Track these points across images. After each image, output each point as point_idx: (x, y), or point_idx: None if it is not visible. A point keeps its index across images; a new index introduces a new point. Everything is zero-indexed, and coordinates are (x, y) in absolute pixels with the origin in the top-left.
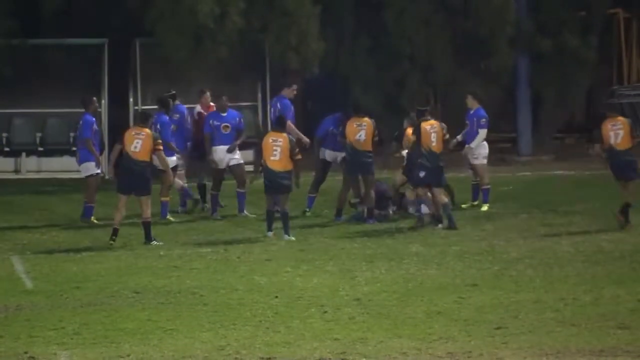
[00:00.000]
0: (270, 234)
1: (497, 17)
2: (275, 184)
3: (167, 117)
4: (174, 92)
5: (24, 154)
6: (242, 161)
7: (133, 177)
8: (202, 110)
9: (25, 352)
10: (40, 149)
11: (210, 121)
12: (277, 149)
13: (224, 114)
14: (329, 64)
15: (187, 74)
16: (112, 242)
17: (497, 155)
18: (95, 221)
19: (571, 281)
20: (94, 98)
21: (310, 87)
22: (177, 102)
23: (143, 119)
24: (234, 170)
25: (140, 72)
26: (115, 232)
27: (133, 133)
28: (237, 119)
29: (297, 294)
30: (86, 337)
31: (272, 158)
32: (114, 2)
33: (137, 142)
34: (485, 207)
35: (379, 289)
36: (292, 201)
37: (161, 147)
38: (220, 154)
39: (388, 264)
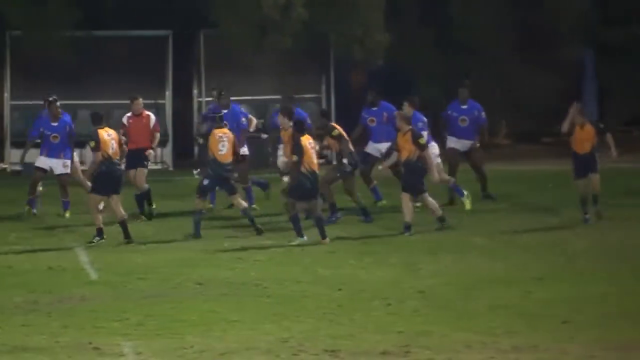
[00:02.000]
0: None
1: (563, 8)
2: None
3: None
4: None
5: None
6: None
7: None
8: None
9: (90, 343)
10: None
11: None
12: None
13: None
14: (392, 55)
15: (251, 66)
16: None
17: (563, 148)
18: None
19: (637, 274)
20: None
21: (373, 79)
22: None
23: (95, 121)
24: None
25: (204, 64)
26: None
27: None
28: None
29: (360, 286)
30: (150, 328)
31: (315, 161)
32: None
33: (112, 143)
34: (468, 205)
35: (442, 282)
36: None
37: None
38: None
39: (452, 257)
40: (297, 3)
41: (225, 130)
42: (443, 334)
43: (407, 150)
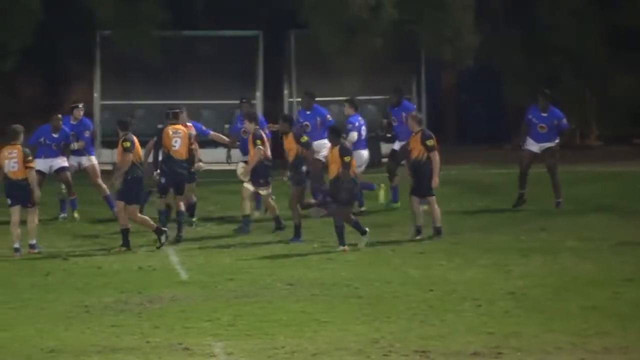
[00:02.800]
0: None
1: None
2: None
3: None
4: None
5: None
6: None
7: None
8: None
9: (180, 343)
10: None
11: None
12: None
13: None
14: (482, 56)
15: (341, 66)
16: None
17: None
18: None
19: None
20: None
21: (463, 79)
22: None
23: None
24: None
25: (294, 64)
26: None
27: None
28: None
29: (451, 287)
30: (240, 329)
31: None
32: None
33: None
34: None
35: (533, 283)
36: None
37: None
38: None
39: (543, 258)
40: (387, 3)
41: (179, 126)
42: (533, 335)
43: (417, 150)
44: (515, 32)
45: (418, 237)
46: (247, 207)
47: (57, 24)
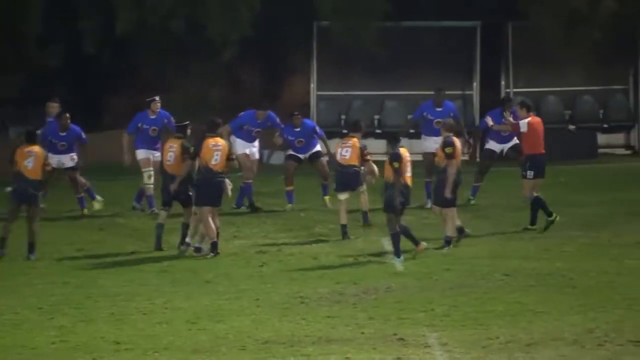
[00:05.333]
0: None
1: None
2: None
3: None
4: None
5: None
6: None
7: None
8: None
9: (394, 334)
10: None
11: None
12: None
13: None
14: None
15: (559, 57)
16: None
17: None
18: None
19: None
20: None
21: None
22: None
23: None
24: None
25: (512, 56)
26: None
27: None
28: None
29: None
30: (455, 319)
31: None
32: None
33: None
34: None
35: None
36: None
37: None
38: None
39: None
40: None
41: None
42: None
43: (440, 157)
44: None
45: (463, 236)
46: None
47: (275, 15)
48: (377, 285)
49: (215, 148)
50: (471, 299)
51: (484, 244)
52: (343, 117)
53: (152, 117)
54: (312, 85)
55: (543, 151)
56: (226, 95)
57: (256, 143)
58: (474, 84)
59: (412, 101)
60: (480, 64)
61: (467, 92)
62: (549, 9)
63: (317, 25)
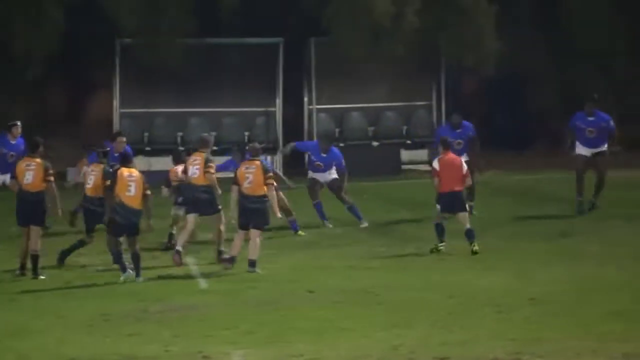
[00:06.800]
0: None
1: None
2: None
3: None
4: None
5: None
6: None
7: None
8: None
9: (200, 352)
10: (215, 148)
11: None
12: None
13: None
14: (505, 63)
15: (362, 73)
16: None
17: None
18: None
19: None
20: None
21: (488, 87)
22: None
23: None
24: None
25: (315, 71)
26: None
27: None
28: None
29: (471, 293)
30: (260, 336)
31: None
32: (290, 1)
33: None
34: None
35: (554, 289)
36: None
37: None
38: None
39: (564, 264)
40: (408, 10)
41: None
42: (555, 341)
43: None
44: (539, 38)
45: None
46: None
47: (80, 32)
48: (182, 303)
49: (28, 168)
50: (276, 316)
51: (287, 260)
52: (146, 134)
53: (12, 142)
54: (115, 103)
55: None
56: (32, 113)
57: None
58: (277, 100)
59: (216, 118)
60: (283, 80)
61: (270, 109)
62: (350, 24)
63: (120, 42)
